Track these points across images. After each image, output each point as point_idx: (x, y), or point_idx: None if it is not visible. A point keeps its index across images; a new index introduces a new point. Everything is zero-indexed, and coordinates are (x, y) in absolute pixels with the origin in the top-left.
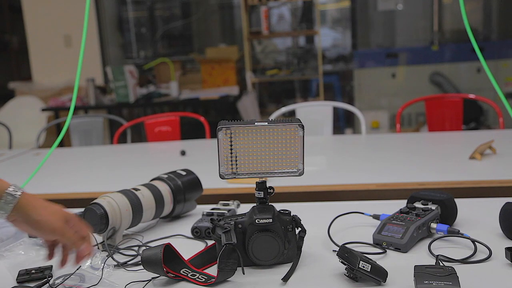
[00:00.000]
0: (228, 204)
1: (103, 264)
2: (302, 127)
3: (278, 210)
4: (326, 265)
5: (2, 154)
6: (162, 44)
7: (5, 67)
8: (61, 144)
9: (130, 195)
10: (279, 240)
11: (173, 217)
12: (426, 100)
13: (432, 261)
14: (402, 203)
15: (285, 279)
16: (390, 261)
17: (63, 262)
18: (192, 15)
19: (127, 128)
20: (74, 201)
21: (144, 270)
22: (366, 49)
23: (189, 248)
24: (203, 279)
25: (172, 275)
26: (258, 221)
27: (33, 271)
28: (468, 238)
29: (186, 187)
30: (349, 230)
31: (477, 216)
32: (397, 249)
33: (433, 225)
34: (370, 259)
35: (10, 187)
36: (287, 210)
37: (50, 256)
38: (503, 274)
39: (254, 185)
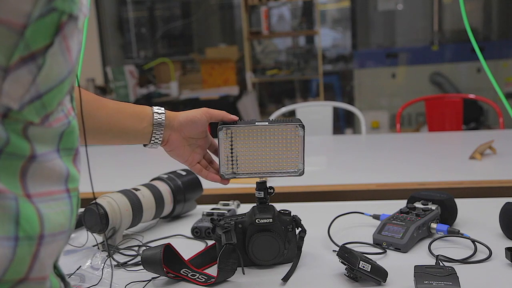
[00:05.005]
0: (228, 204)
1: (103, 264)
2: (303, 127)
3: (278, 210)
4: (326, 265)
5: None
6: (162, 44)
7: None
8: None
9: (130, 195)
10: (279, 240)
11: (173, 217)
12: (426, 100)
13: (432, 261)
14: (402, 203)
15: (285, 279)
16: (390, 261)
17: (215, 177)
18: (192, 15)
19: None
20: None
21: (144, 270)
22: (366, 49)
23: (189, 248)
24: (203, 279)
25: (172, 275)
26: (258, 221)
27: None
28: (468, 238)
29: (186, 187)
30: (349, 230)
31: (477, 216)
32: (397, 249)
33: (433, 225)
34: (370, 259)
35: (153, 108)
36: (287, 210)
37: (205, 175)
38: (503, 274)
39: (254, 185)
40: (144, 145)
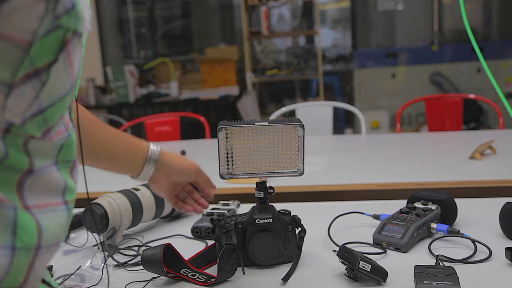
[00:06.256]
0: (228, 204)
1: (103, 264)
2: (302, 127)
3: (278, 210)
4: (326, 265)
5: None
6: (162, 44)
7: None
8: None
9: (130, 195)
10: (279, 240)
11: (173, 217)
12: (426, 100)
13: (432, 261)
14: (402, 203)
15: (285, 279)
16: (390, 261)
17: (188, 208)
18: (192, 15)
19: (127, 128)
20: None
21: (144, 270)
22: (366, 49)
23: (189, 248)
24: (203, 279)
25: (172, 275)
26: (258, 221)
27: None
28: (468, 238)
29: None
30: (349, 230)
31: (477, 216)
32: (397, 249)
33: (433, 225)
34: (370, 259)
35: (150, 145)
36: (287, 210)
37: (180, 207)
38: (503, 274)
39: (254, 185)
40: (131, 177)
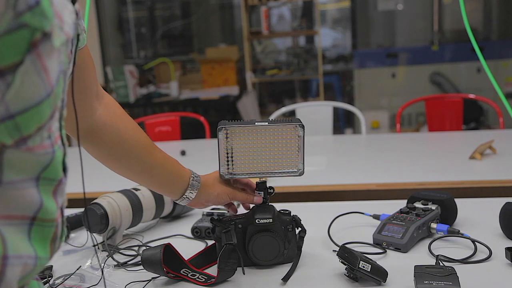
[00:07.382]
0: None
1: (103, 264)
2: (303, 127)
3: (278, 210)
4: (326, 265)
5: None
6: (162, 44)
7: None
8: None
9: (130, 195)
10: (279, 240)
11: (173, 217)
12: (426, 100)
13: (432, 261)
14: (402, 203)
15: (285, 279)
16: (390, 261)
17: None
18: (192, 15)
19: None
20: (74, 201)
21: (144, 270)
22: (366, 49)
23: (189, 248)
24: (203, 279)
25: (172, 275)
26: (258, 221)
27: None
28: (468, 238)
29: None
30: (349, 230)
31: (477, 216)
32: (397, 249)
33: (433, 225)
34: (370, 259)
35: (192, 174)
36: (287, 210)
37: (235, 211)
38: (503, 274)
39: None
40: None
